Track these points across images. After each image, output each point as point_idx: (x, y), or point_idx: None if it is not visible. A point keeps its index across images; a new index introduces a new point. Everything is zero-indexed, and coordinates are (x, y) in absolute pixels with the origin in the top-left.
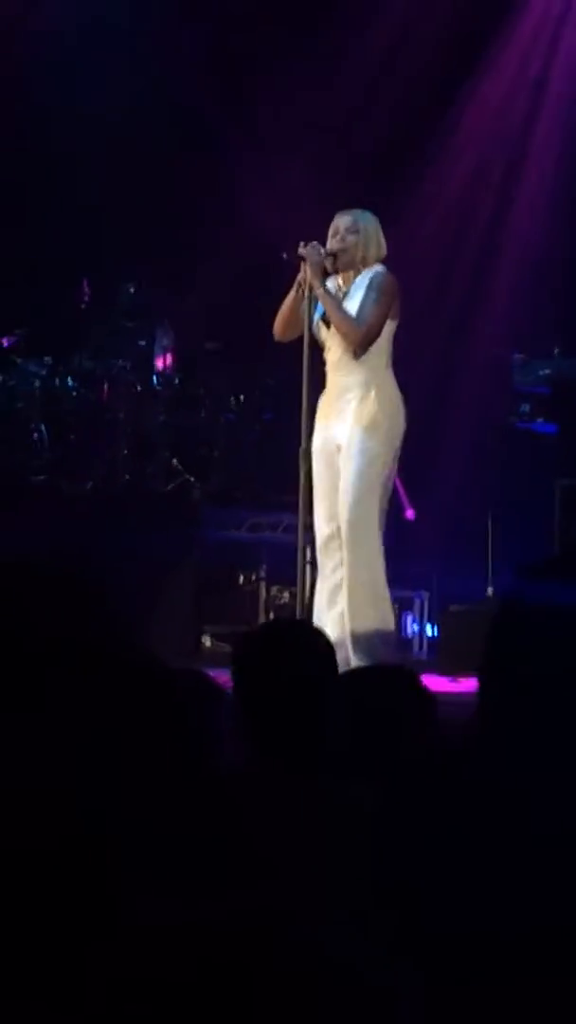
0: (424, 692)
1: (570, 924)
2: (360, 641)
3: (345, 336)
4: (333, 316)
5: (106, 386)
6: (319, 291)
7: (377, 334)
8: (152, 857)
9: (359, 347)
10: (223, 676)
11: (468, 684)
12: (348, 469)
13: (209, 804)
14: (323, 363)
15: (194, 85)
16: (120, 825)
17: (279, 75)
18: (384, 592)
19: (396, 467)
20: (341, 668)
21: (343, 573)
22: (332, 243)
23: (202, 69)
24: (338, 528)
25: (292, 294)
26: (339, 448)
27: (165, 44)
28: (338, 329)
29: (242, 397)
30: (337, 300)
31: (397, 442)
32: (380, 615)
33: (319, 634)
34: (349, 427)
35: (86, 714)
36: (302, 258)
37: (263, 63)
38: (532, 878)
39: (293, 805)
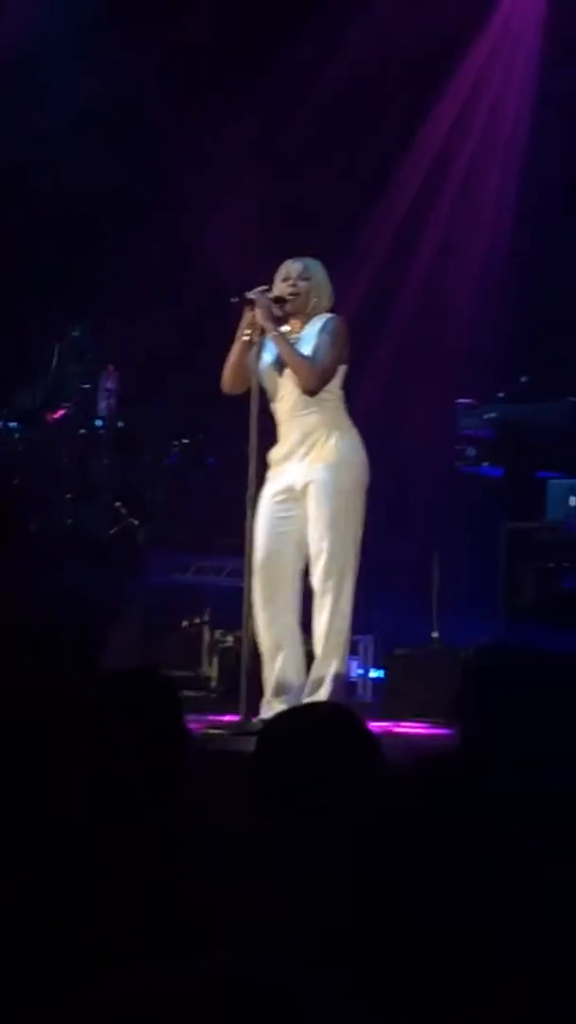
0: (366, 732)
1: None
2: (319, 683)
3: (301, 376)
4: (289, 356)
5: (50, 430)
6: (273, 333)
7: (332, 375)
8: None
9: (315, 386)
10: None
11: (413, 728)
12: (320, 512)
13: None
14: (270, 411)
15: (142, 124)
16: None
17: (231, 119)
18: (349, 636)
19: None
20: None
21: (316, 616)
22: (283, 287)
23: (150, 109)
24: (284, 573)
25: (237, 344)
26: (303, 490)
27: (111, 89)
28: (294, 369)
29: (186, 441)
30: (289, 341)
31: (364, 479)
32: (341, 660)
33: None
34: (317, 468)
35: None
36: (251, 302)
37: (215, 107)
38: (499, 917)
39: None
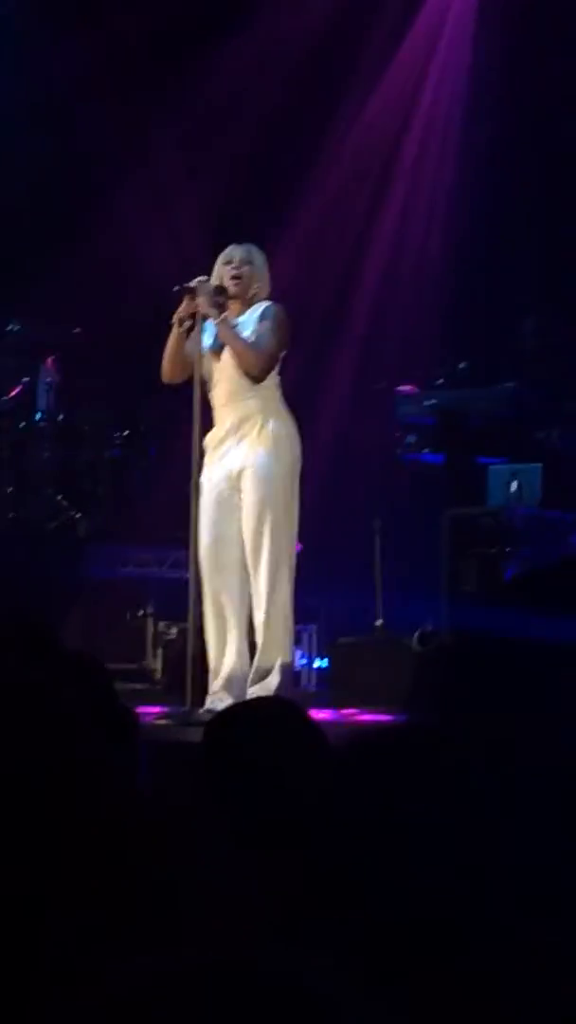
0: (311, 724)
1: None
2: (262, 673)
3: (246, 362)
4: (233, 343)
5: None
6: (216, 320)
7: (275, 361)
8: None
9: (259, 373)
10: None
11: (356, 716)
12: (256, 497)
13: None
14: (203, 398)
15: (76, 113)
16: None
17: (168, 106)
18: (291, 624)
19: (298, 492)
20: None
21: (248, 602)
22: (225, 271)
23: (85, 97)
24: (231, 559)
25: (174, 332)
26: (239, 475)
27: (48, 70)
28: (238, 355)
29: (127, 432)
30: (232, 326)
31: (298, 466)
32: (285, 649)
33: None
34: (252, 454)
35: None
36: (192, 291)
37: (152, 92)
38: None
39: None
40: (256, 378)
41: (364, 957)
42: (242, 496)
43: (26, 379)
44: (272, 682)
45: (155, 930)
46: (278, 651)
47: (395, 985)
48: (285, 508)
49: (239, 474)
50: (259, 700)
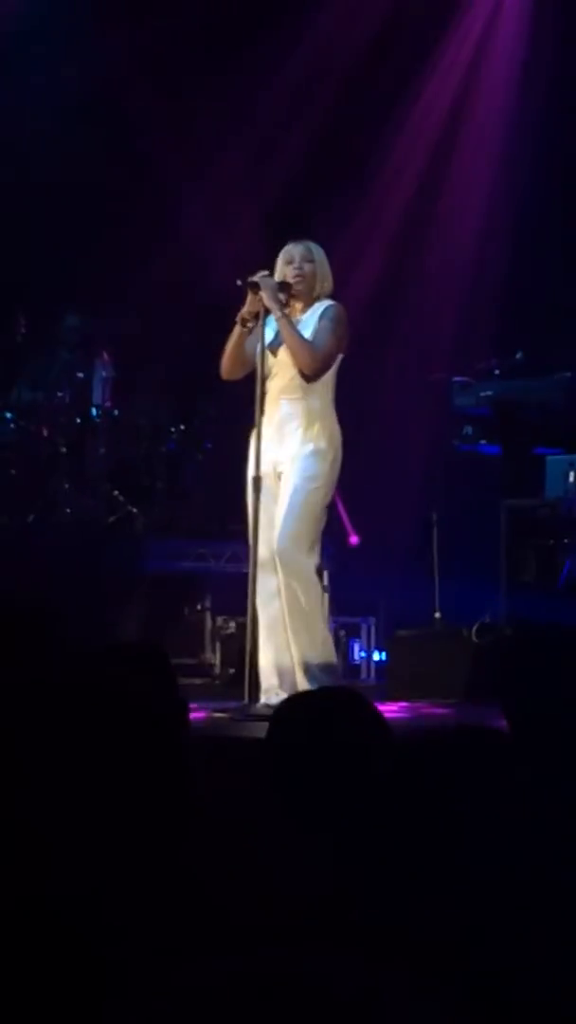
0: (376, 714)
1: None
2: (304, 668)
3: (302, 359)
4: (291, 339)
5: (46, 419)
6: (278, 315)
7: (332, 361)
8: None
9: (314, 373)
10: None
11: (415, 708)
12: (289, 495)
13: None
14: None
15: (131, 109)
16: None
17: (220, 102)
18: (319, 618)
19: (332, 497)
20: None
21: (281, 599)
22: (287, 271)
23: (139, 93)
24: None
25: (237, 329)
26: (279, 475)
27: (99, 68)
28: (295, 352)
29: (183, 427)
30: (293, 324)
31: (337, 472)
32: (318, 641)
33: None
34: (292, 454)
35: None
36: (256, 286)
37: (205, 89)
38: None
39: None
40: (310, 377)
41: (413, 956)
42: (278, 495)
43: (82, 374)
44: (310, 676)
45: (210, 929)
46: (311, 648)
47: (442, 985)
48: (314, 511)
49: (279, 474)
50: (323, 690)
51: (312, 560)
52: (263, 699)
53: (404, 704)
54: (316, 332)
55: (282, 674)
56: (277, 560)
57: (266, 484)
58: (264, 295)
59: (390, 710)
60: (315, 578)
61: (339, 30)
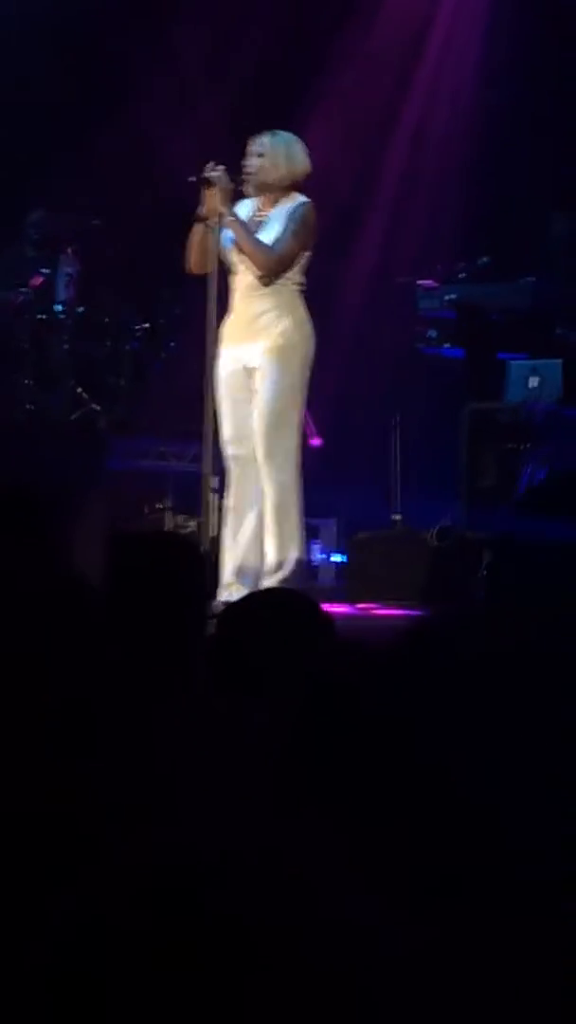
0: (323, 615)
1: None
2: (274, 566)
3: (257, 262)
4: (244, 243)
5: (9, 315)
6: (229, 219)
7: (290, 263)
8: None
9: (270, 274)
10: None
11: (373, 611)
12: (264, 394)
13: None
14: (228, 288)
15: (100, 5)
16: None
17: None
18: (300, 519)
19: (307, 392)
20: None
21: (262, 498)
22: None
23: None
24: (250, 452)
25: (198, 225)
26: (251, 371)
27: None
28: (250, 256)
29: (147, 325)
30: (247, 227)
31: (309, 367)
32: (296, 542)
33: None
34: (262, 351)
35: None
36: (208, 182)
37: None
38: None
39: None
40: (266, 279)
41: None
42: (254, 394)
43: (46, 270)
44: (283, 574)
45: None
46: (290, 545)
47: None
48: (292, 405)
49: (251, 372)
50: (268, 592)
51: (296, 454)
52: (222, 596)
53: (361, 605)
54: (279, 234)
55: (245, 571)
56: (261, 457)
57: (235, 380)
58: (217, 195)
59: (347, 611)
60: (299, 477)
61: None
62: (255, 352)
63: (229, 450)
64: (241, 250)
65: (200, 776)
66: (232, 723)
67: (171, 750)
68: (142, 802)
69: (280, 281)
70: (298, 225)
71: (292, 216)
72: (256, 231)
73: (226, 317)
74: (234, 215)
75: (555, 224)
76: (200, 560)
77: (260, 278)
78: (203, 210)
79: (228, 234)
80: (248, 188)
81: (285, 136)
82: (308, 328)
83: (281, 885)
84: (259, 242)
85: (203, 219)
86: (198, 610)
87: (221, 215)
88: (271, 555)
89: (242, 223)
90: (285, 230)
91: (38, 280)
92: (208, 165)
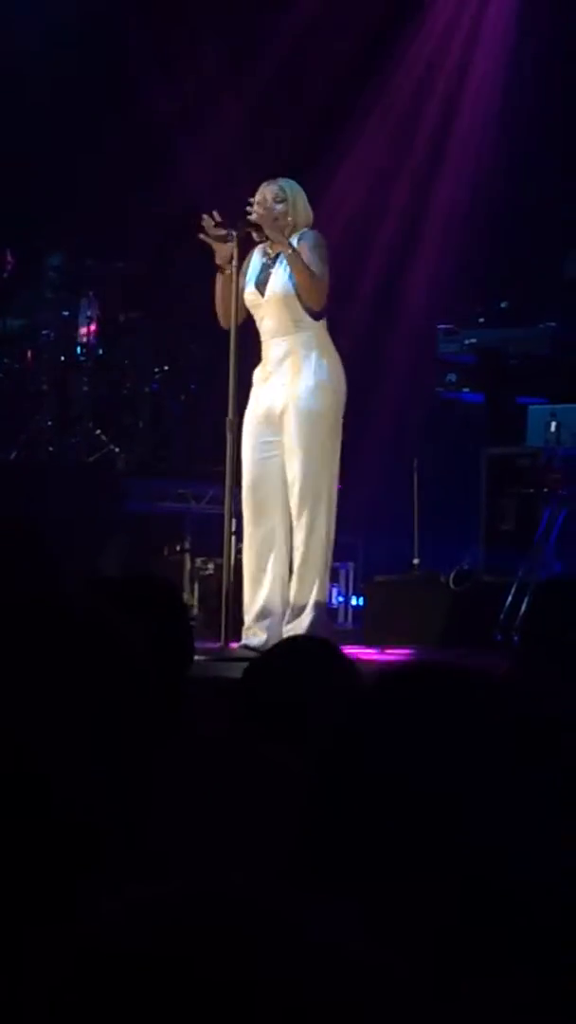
0: (345, 660)
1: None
2: (297, 611)
3: (311, 294)
4: (301, 273)
5: (30, 356)
6: (288, 251)
7: (327, 290)
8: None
9: (322, 304)
10: None
11: (394, 654)
12: (299, 431)
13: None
14: (254, 334)
15: (122, 49)
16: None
17: (209, 38)
18: (327, 564)
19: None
20: (273, 638)
21: (288, 540)
22: (258, 211)
23: (130, 33)
24: (271, 495)
25: (223, 276)
26: (282, 411)
27: (84, 7)
28: (307, 289)
29: (167, 367)
30: (301, 257)
31: (343, 403)
32: (321, 588)
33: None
34: (295, 388)
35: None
36: (257, 226)
37: (196, 28)
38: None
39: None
40: (317, 311)
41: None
42: (284, 434)
43: (66, 313)
44: (306, 620)
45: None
46: (314, 590)
47: (413, 932)
48: (328, 447)
49: (282, 412)
50: (292, 640)
51: (331, 498)
52: (243, 640)
53: (379, 649)
54: (311, 263)
55: (267, 615)
56: (295, 499)
57: (266, 423)
58: (269, 232)
59: (364, 655)
60: (332, 518)
61: None
62: (287, 392)
63: (250, 497)
64: (265, 287)
65: (208, 821)
66: (259, 771)
67: (164, 796)
68: (135, 853)
69: (304, 317)
70: (316, 247)
71: (308, 243)
72: (272, 269)
73: (259, 365)
74: (293, 248)
75: (570, 265)
76: (180, 606)
77: (288, 313)
78: (219, 260)
79: (250, 277)
80: (273, 233)
81: (296, 184)
82: (339, 364)
83: (302, 949)
84: (314, 272)
85: (223, 269)
86: (176, 656)
87: (274, 245)
88: (295, 598)
89: (299, 255)
90: (314, 260)
91: (87, 328)
92: (213, 215)
